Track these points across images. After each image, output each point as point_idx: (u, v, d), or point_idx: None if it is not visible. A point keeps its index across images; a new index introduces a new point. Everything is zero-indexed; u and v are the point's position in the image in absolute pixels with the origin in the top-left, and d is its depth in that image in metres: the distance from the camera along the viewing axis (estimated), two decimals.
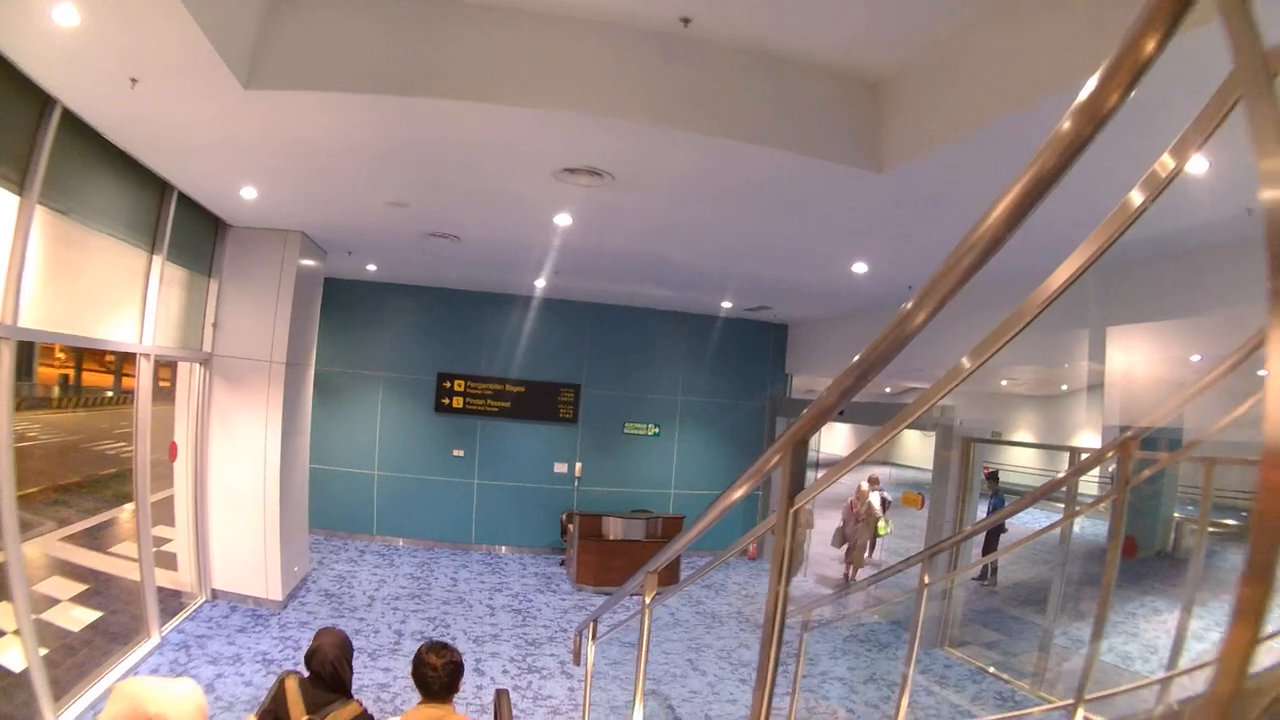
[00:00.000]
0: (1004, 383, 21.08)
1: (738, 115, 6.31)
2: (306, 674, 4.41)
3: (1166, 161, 1.47)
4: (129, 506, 10.70)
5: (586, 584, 13.57)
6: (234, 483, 10.72)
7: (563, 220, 9.09)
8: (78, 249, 7.47)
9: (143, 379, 8.84)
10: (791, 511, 2.00)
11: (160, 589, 9.49)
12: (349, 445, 15.51)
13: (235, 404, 10.76)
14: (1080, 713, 3.98)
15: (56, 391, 29.01)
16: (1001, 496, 14.29)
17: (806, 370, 17.13)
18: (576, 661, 7.22)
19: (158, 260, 8.92)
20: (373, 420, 15.65)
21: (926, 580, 5.76)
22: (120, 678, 7.80)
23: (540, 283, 14.16)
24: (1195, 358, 9.15)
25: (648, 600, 3.89)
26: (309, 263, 11.55)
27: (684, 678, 9.85)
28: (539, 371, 16.08)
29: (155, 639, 8.98)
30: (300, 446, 12.03)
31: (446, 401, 15.78)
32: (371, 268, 14.06)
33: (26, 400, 24.92)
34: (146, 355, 8.84)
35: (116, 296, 8.35)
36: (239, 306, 10.81)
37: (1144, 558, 14.03)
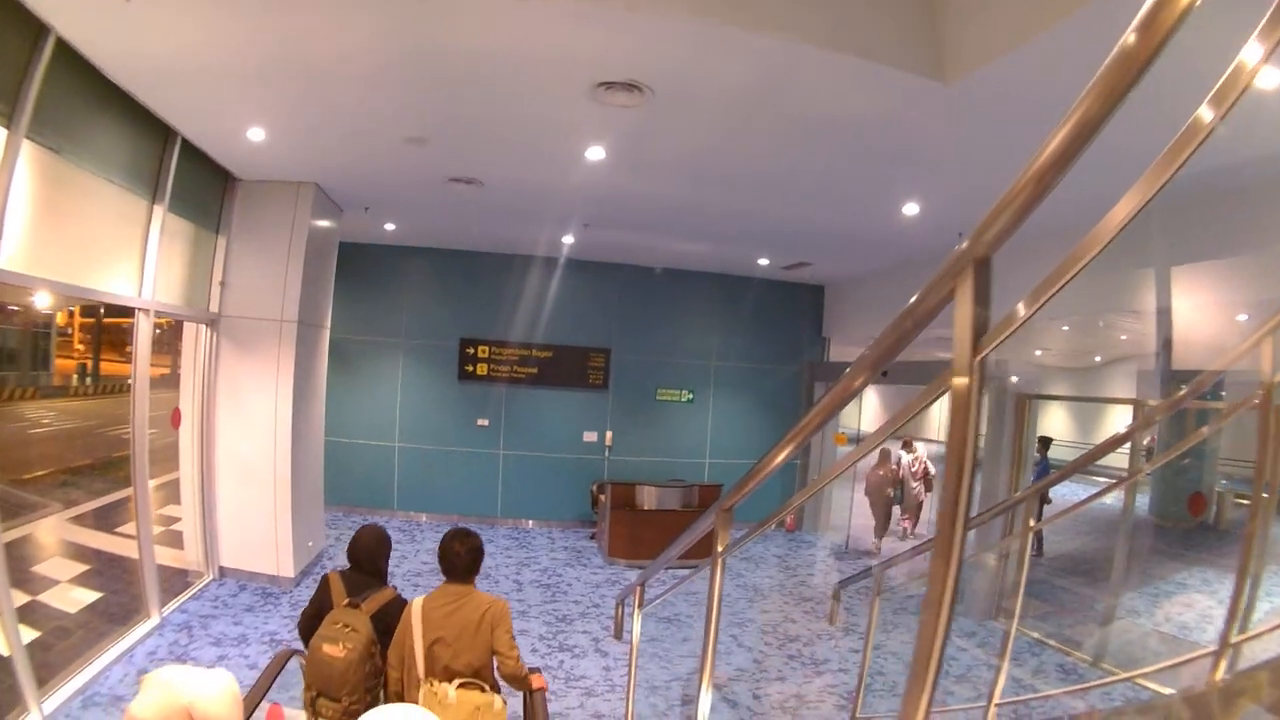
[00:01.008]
0: (1038, 353, 20.24)
1: (791, 13, 5.59)
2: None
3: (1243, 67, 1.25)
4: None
5: (619, 557, 12.92)
6: (243, 452, 10.10)
7: (595, 154, 8.32)
8: (70, 191, 6.90)
9: (141, 336, 8.26)
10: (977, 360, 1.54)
11: (165, 568, 9.22)
12: (368, 416, 14.91)
13: (244, 368, 10.14)
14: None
15: (74, 380, 28.59)
16: (1047, 464, 13.61)
17: (844, 333, 16.35)
18: (618, 635, 6.55)
19: (159, 211, 8.32)
20: (393, 390, 15.04)
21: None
22: (114, 660, 7.40)
23: (568, 239, 13.45)
24: (1242, 317, 8.35)
25: (719, 548, 3.11)
26: (324, 222, 10.96)
27: (728, 655, 9.18)
28: (567, 336, 15.39)
29: (155, 619, 8.42)
30: (314, 413, 11.40)
31: (470, 369, 15.13)
32: (390, 227, 13.33)
33: (43, 389, 24.70)
34: (145, 310, 8.24)
35: (113, 246, 7.79)
36: (248, 264, 10.17)
37: (1187, 528, 13.53)
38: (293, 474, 10.17)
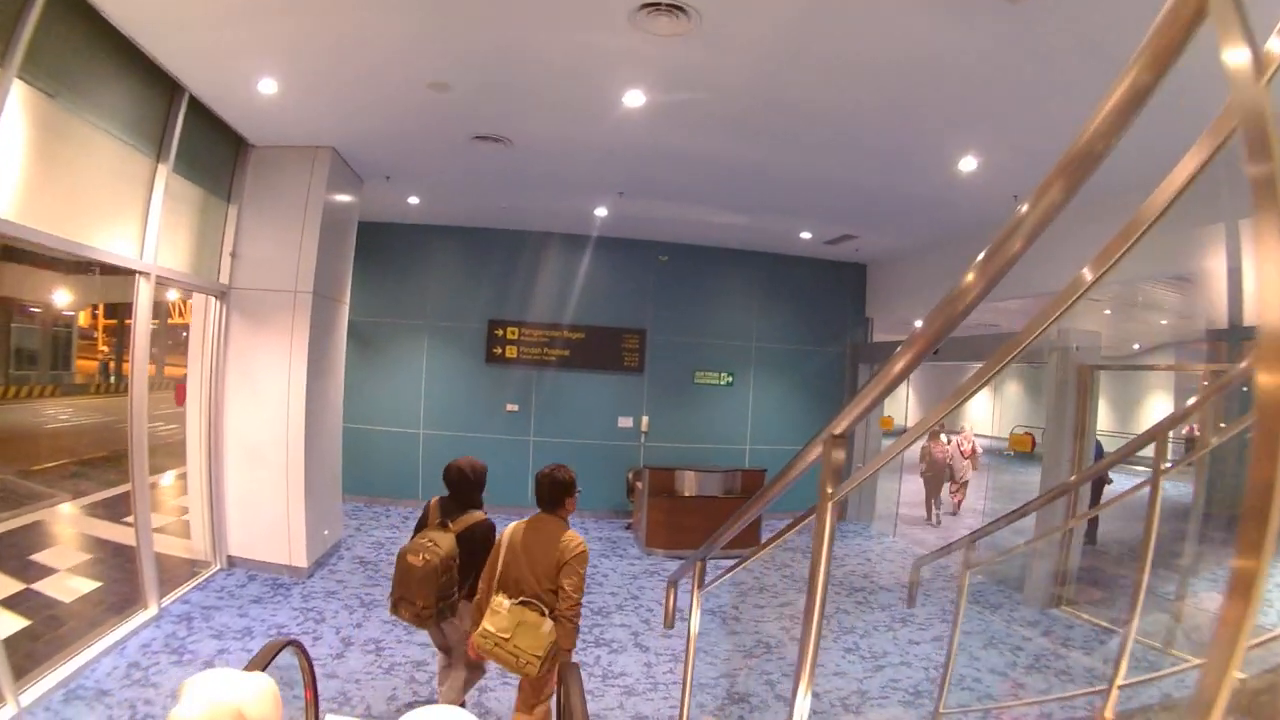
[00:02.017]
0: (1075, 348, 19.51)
1: None
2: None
3: None
4: (153, 479, 9.67)
5: (657, 547, 12.20)
6: (253, 434, 9.52)
7: (633, 99, 7.60)
8: (66, 140, 6.46)
9: (141, 302, 7.75)
10: None
11: (171, 558, 9.18)
12: (391, 403, 14.30)
13: (255, 343, 9.55)
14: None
15: (97, 379, 29.10)
16: (1100, 446, 12.99)
17: (888, 313, 15.66)
18: (668, 624, 5.81)
19: (163, 170, 7.83)
20: (417, 374, 14.38)
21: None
22: (104, 652, 6.91)
23: (601, 211, 12.71)
24: None
25: (829, 488, 2.32)
26: (342, 194, 10.43)
27: (779, 648, 8.49)
28: (600, 316, 14.70)
29: (153, 610, 7.87)
30: (331, 393, 10.76)
31: (498, 351, 14.45)
32: (413, 200, 12.69)
33: (64, 387, 24.88)
34: (146, 274, 7.71)
35: (112, 204, 7.28)
36: (262, 234, 9.62)
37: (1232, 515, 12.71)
38: (306, 457, 9.56)
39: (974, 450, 17.29)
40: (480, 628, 5.10)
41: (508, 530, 5.39)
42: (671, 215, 12.76)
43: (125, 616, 7.60)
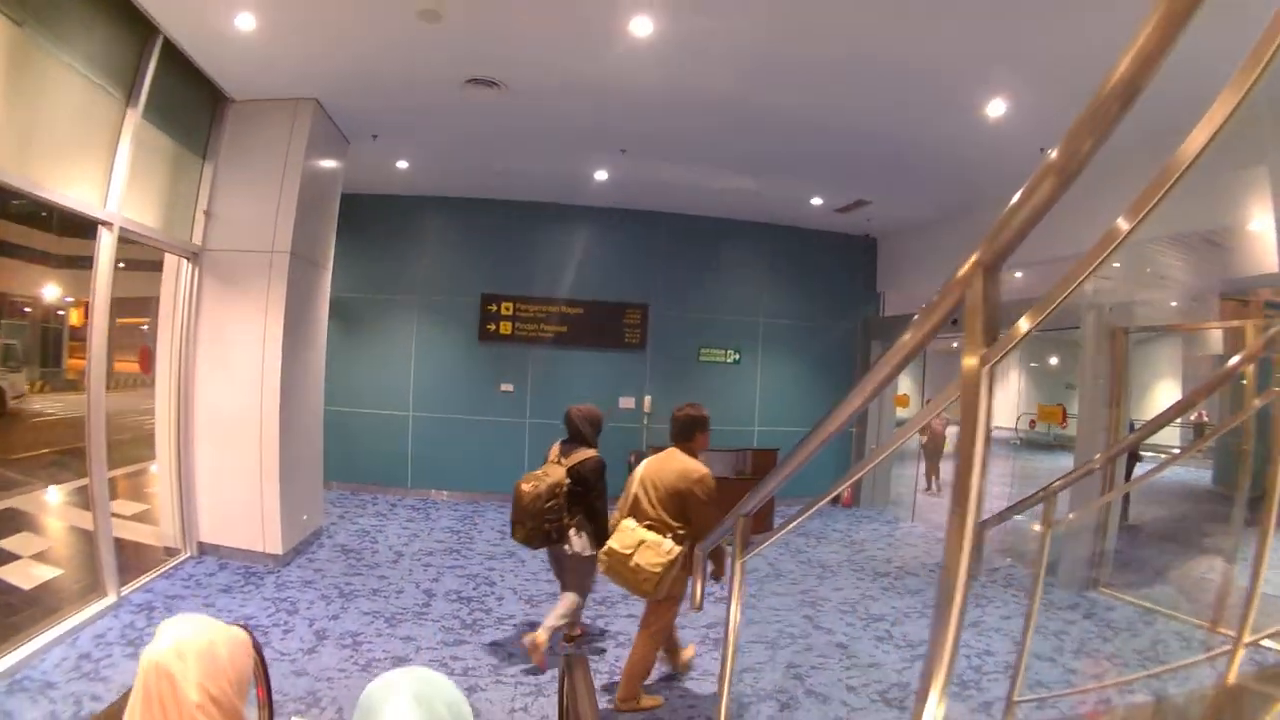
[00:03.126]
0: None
1: None
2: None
3: None
4: (132, 467, 9.67)
5: None
6: (225, 408, 8.81)
7: (640, 27, 6.87)
8: (28, 72, 6.05)
9: (103, 256, 7.11)
10: None
11: (138, 545, 8.78)
12: (378, 384, 13.60)
13: (229, 309, 8.86)
14: None
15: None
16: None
17: (899, 288, 15.05)
18: (697, 605, 5.00)
19: (132, 115, 7.28)
20: (406, 353, 13.66)
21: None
22: (54, 641, 6.28)
23: (601, 175, 11.98)
24: None
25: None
26: (327, 156, 9.79)
27: (805, 638, 7.73)
28: (600, 290, 13.98)
29: (111, 598, 7.19)
30: (311, 366, 10.00)
31: (492, 327, 13.69)
32: (402, 165, 11.95)
33: (55, 384, 24.79)
34: (108, 224, 7.08)
35: (76, 145, 6.76)
36: (239, 192, 8.95)
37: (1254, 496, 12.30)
38: (282, 433, 8.83)
39: (945, 425, 18.52)
40: (605, 546, 5.82)
41: (642, 463, 6.14)
42: (676, 180, 12.07)
43: (81, 605, 6.94)
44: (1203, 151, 1.31)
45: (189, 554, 8.79)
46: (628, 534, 5.70)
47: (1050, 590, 9.40)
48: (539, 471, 6.58)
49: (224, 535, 8.88)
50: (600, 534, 6.44)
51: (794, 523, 3.36)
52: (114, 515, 8.47)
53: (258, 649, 3.28)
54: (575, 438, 6.80)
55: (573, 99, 8.84)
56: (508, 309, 13.70)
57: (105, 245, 7.09)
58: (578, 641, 7.34)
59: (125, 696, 2.41)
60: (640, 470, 6.04)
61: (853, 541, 12.07)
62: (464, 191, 13.49)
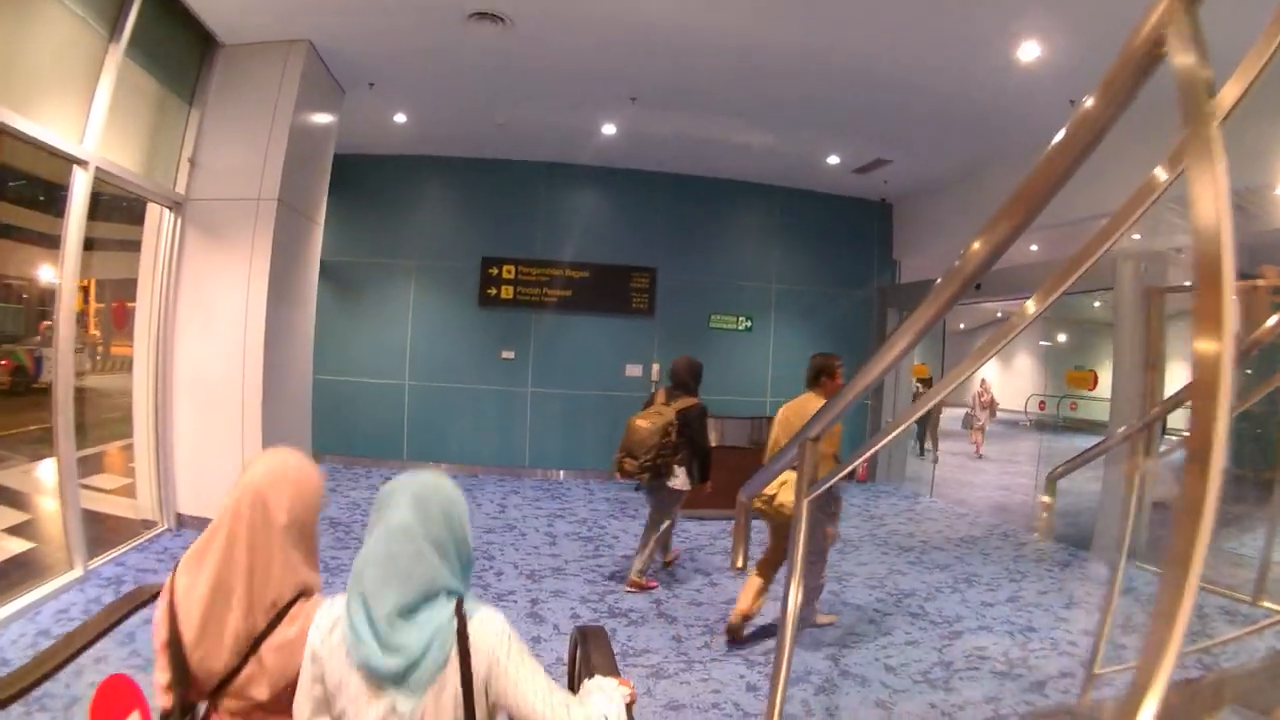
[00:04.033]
0: (1096, 304, 18.76)
1: None
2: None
3: None
4: (124, 441, 8.91)
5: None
6: (205, 369, 8.26)
7: None
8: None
9: (76, 198, 6.62)
10: None
11: (115, 518, 8.28)
12: (373, 351, 13.04)
13: (212, 262, 8.31)
14: None
15: (86, 364, 28.87)
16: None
17: (916, 255, 14.56)
18: (739, 564, 4.38)
19: (115, 51, 6.90)
20: (402, 319, 13.09)
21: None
22: (12, 616, 5.83)
23: (609, 129, 11.40)
24: None
25: None
26: (318, 100, 9.28)
27: (834, 614, 7.15)
28: (606, 253, 13.41)
29: (77, 572, 6.72)
30: (299, 326, 9.44)
31: (493, 292, 13.11)
32: (400, 119, 11.37)
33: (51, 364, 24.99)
34: (84, 163, 6.61)
35: (53, 78, 6.41)
36: (226, 140, 8.44)
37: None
38: (266, 396, 8.27)
39: (992, 401, 20.59)
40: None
41: (781, 408, 6.74)
42: (687, 134, 11.50)
43: (45, 579, 6.46)
44: (1237, 104, 1.30)
45: (166, 526, 8.27)
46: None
47: (1086, 564, 9.18)
48: (651, 410, 7.47)
49: (204, 507, 8.27)
50: (704, 472, 7.51)
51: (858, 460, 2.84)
52: (97, 490, 8.37)
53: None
54: (680, 386, 7.64)
55: (580, 36, 8.28)
56: (509, 272, 13.14)
57: (80, 186, 6.63)
58: (673, 566, 8.36)
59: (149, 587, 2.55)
60: (779, 414, 6.70)
61: (872, 516, 11.60)
62: (464, 151, 12.91)
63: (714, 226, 13.87)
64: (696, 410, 7.47)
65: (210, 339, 8.19)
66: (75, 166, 6.58)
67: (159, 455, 8.22)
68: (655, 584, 7.72)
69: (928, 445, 18.25)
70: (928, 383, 17.83)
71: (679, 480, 7.34)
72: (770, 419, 11.55)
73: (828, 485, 2.86)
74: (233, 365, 8.14)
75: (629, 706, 2.37)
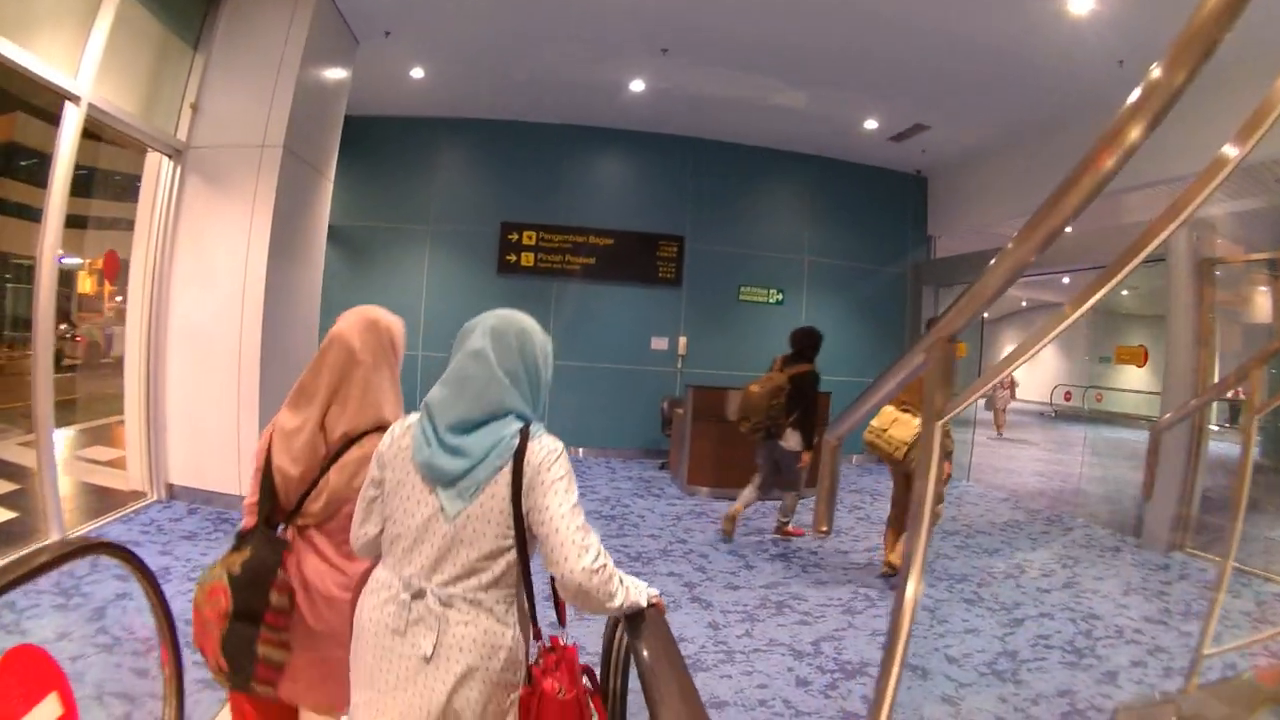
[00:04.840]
0: (1124, 293, 18.22)
1: None
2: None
3: None
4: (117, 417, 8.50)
5: (702, 485, 10.31)
6: (201, 327, 7.72)
7: None
8: None
9: (65, 137, 6.20)
10: None
11: (104, 489, 7.84)
12: None
13: (212, 213, 7.78)
14: None
15: (99, 340, 29.29)
16: None
17: (952, 230, 14.04)
18: (823, 527, 3.78)
19: None
20: (417, 287, 12.55)
21: None
22: None
23: (637, 86, 10.83)
24: None
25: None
26: (331, 49, 8.78)
27: (883, 600, 6.64)
28: (631, 220, 12.85)
29: (51, 542, 6.05)
30: (304, 285, 8.88)
31: (512, 259, 12.56)
32: (417, 74, 10.81)
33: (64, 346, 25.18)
34: (75, 99, 6.20)
35: (48, 7, 6.05)
36: (230, 84, 7.95)
37: None
38: (265, 356, 7.69)
39: (1012, 381, 22.38)
40: (867, 424, 6.77)
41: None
42: (718, 94, 10.92)
43: (15, 550, 5.84)
44: None
45: (156, 497, 7.75)
46: (885, 415, 6.88)
47: (1136, 551, 8.80)
48: (765, 377, 8.01)
49: (197, 476, 7.80)
50: (809, 435, 7.92)
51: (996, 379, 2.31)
52: (92, 462, 8.19)
53: (150, 584, 3.13)
54: (797, 354, 8.08)
55: None
56: (530, 239, 12.59)
57: (69, 124, 6.21)
58: (788, 540, 8.33)
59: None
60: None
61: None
62: (483, 112, 12.39)
63: (744, 195, 13.31)
64: (809, 375, 7.97)
65: (207, 294, 7.67)
66: (66, 102, 6.15)
67: (150, 422, 7.72)
68: (801, 531, 8.44)
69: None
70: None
71: (792, 441, 7.90)
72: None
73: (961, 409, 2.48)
74: (230, 321, 7.61)
75: (655, 608, 2.39)
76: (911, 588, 2.28)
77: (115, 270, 7.80)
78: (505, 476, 2.17)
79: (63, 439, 10.33)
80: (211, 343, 7.65)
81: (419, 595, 2.19)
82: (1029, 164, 11.41)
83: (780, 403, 7.80)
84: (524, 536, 2.20)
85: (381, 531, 2.33)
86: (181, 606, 5.18)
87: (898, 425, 6.76)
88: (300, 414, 2.73)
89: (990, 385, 2.53)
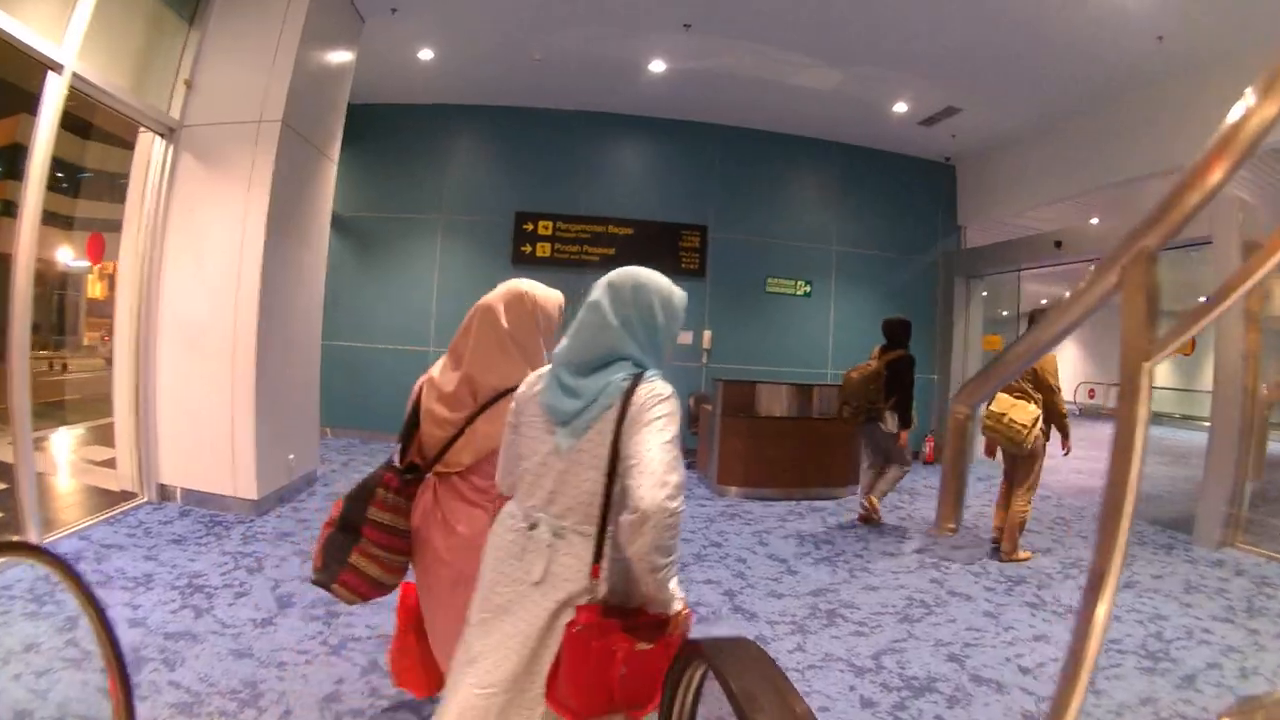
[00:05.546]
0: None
1: None
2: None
3: None
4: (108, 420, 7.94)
5: (733, 485, 9.67)
6: (194, 316, 7.18)
7: None
8: None
9: (46, 108, 5.75)
10: None
11: (94, 489, 7.47)
12: (394, 315, 11.99)
13: (206, 193, 7.25)
14: None
15: (107, 348, 30.52)
16: None
17: (982, 221, 13.57)
18: (949, 522, 3.22)
19: None
20: (428, 280, 12.05)
21: None
22: None
23: (658, 66, 10.31)
24: None
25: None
26: (334, 20, 8.33)
27: (941, 607, 6.05)
28: (652, 209, 12.34)
29: None
30: (307, 272, 8.37)
31: (528, 249, 12.06)
32: (426, 56, 10.32)
33: (74, 351, 25.28)
34: (58, 68, 5.77)
35: None
36: (225, 60, 7.43)
37: None
38: (262, 348, 7.14)
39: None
40: (986, 410, 7.15)
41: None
42: (742, 73, 10.40)
43: None
44: None
45: (146, 498, 7.23)
46: (1002, 401, 7.15)
47: (1189, 549, 8.40)
48: (863, 364, 8.43)
49: (190, 476, 7.28)
50: (906, 417, 8.27)
51: None
52: (87, 461, 7.91)
53: (98, 609, 2.49)
54: (892, 342, 8.45)
55: None
56: (546, 229, 12.09)
57: (51, 95, 5.76)
58: (874, 520, 8.58)
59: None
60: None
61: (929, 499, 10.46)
62: (496, 98, 11.90)
63: (769, 183, 12.82)
64: (904, 361, 8.31)
65: (200, 282, 7.15)
66: (49, 71, 5.72)
67: (140, 416, 7.21)
68: (880, 519, 8.64)
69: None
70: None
71: (890, 424, 8.24)
72: (837, 387, 10.66)
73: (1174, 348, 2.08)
74: (223, 310, 7.08)
75: (683, 618, 2.37)
76: (1103, 609, 1.79)
77: (100, 252, 7.24)
78: (613, 415, 2.30)
79: (69, 438, 10.15)
80: (204, 333, 7.13)
81: (534, 526, 2.41)
82: (1061, 151, 11.11)
83: (878, 387, 8.19)
84: (614, 472, 2.29)
85: None
86: (162, 618, 4.69)
87: (1016, 410, 7.06)
88: (450, 370, 3.16)
89: (1215, 314, 2.06)
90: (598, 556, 2.34)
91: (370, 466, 9.38)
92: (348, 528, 3.10)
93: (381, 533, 3.09)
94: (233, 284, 7.04)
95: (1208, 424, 8.93)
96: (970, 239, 13.89)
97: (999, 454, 7.54)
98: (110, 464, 7.79)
